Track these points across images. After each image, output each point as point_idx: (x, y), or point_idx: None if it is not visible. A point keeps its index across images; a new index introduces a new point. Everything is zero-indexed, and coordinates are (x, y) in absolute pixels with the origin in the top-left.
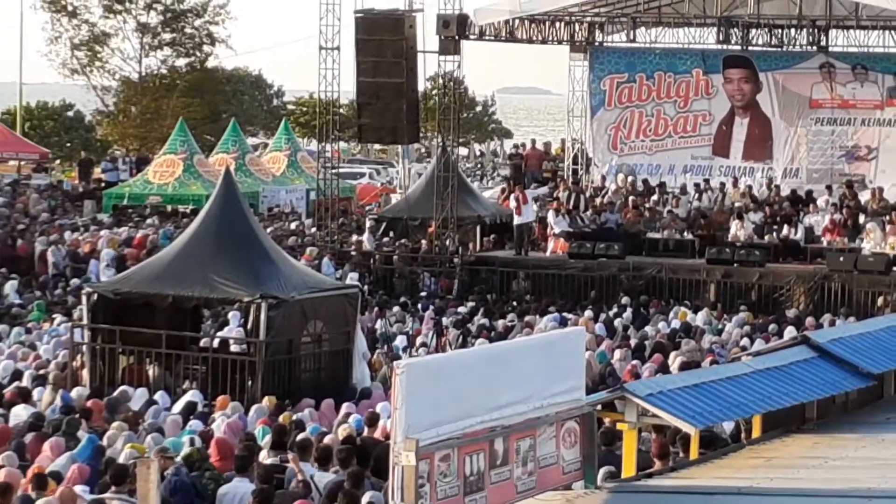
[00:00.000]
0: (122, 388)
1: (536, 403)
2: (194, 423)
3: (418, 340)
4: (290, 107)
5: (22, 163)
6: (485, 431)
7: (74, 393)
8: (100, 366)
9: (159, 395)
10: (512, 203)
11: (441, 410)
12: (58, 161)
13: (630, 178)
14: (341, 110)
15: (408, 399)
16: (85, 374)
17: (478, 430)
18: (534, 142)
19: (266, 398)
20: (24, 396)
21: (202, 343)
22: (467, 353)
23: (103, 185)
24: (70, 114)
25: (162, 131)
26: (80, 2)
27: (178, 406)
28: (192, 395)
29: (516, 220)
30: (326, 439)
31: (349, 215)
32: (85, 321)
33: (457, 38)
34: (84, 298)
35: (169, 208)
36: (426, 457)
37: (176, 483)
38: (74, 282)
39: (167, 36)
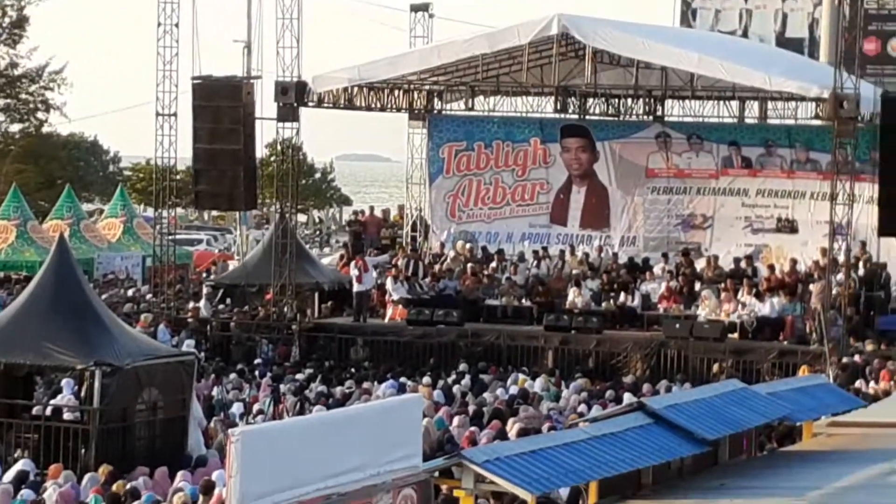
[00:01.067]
0: None
1: (373, 471)
2: (26, 493)
3: (255, 407)
4: (126, 173)
5: None
6: (320, 499)
7: None
8: None
9: None
10: (353, 271)
11: (276, 478)
12: None
13: (469, 246)
14: (178, 176)
15: (243, 467)
16: None
17: (313, 497)
18: (372, 209)
19: (101, 467)
20: None
21: (34, 411)
22: (303, 420)
23: None
24: None
25: None
26: None
27: (10, 475)
28: (24, 464)
29: (356, 288)
30: None
31: (186, 282)
32: None
33: (295, 104)
34: None
35: (2, 274)
36: None
37: None
38: None
39: (1, 101)
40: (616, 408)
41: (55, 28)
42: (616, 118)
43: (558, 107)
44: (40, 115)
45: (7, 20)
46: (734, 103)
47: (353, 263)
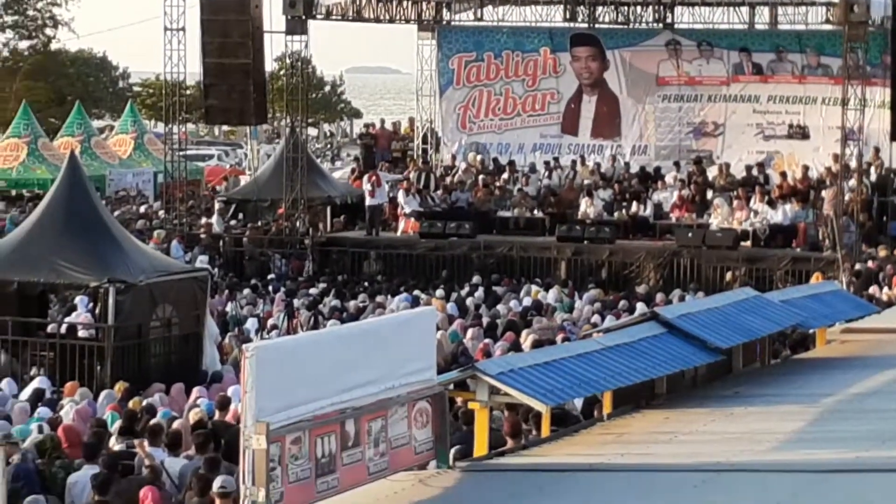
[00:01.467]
0: None
1: (388, 384)
2: (42, 411)
3: (269, 323)
4: (136, 89)
5: None
6: (335, 413)
7: None
8: None
9: (6, 383)
10: (366, 185)
11: (291, 393)
12: None
13: (480, 157)
14: (188, 92)
15: (258, 382)
16: None
17: (329, 412)
18: (382, 122)
19: (116, 384)
20: None
21: (49, 329)
22: (317, 334)
23: None
24: None
25: (5, 115)
26: None
27: (26, 393)
28: (40, 382)
29: (369, 202)
30: (177, 424)
31: (198, 198)
32: None
33: (303, 17)
34: None
35: (13, 193)
36: (277, 440)
37: (19, 470)
38: None
39: (9, 18)
40: (629, 318)
41: None
42: (626, 26)
43: (567, 16)
44: (48, 31)
45: None
46: (744, 9)
47: (365, 178)
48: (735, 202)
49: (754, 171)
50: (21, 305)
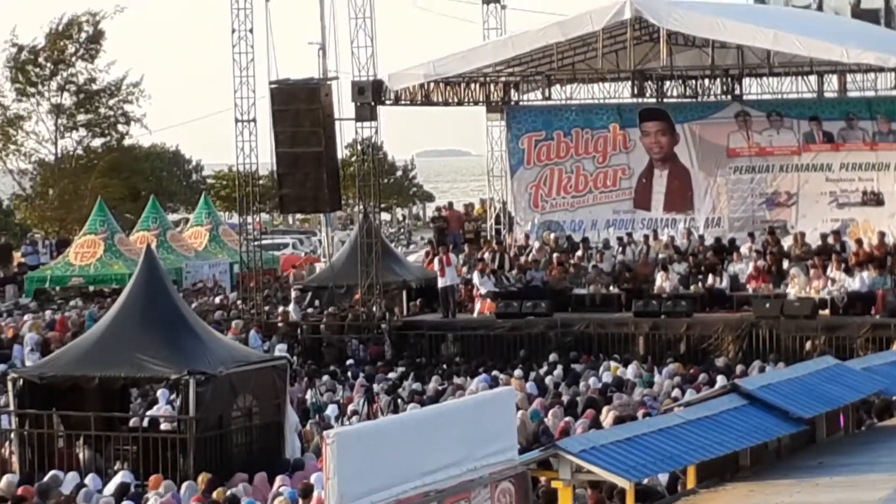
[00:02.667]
0: (52, 472)
1: (469, 465)
2: None
3: (349, 408)
4: (209, 181)
5: None
6: (419, 497)
7: (4, 481)
8: (28, 451)
9: (90, 478)
10: (436, 265)
11: (373, 478)
12: None
13: (553, 235)
14: (261, 182)
15: (339, 469)
16: (14, 460)
17: (411, 495)
18: (450, 204)
19: (199, 475)
20: None
21: (132, 423)
22: (397, 419)
23: (24, 269)
24: None
25: (81, 212)
26: None
27: (111, 488)
28: (124, 476)
29: (440, 283)
30: None
31: (274, 287)
32: (11, 407)
33: (372, 103)
34: (9, 384)
35: (92, 289)
36: None
37: None
38: None
39: (82, 117)
40: (710, 391)
41: (131, 41)
42: (694, 99)
43: (635, 91)
44: (121, 128)
45: (83, 35)
46: (812, 78)
47: (435, 258)
48: (812, 271)
49: (830, 240)
50: (103, 400)
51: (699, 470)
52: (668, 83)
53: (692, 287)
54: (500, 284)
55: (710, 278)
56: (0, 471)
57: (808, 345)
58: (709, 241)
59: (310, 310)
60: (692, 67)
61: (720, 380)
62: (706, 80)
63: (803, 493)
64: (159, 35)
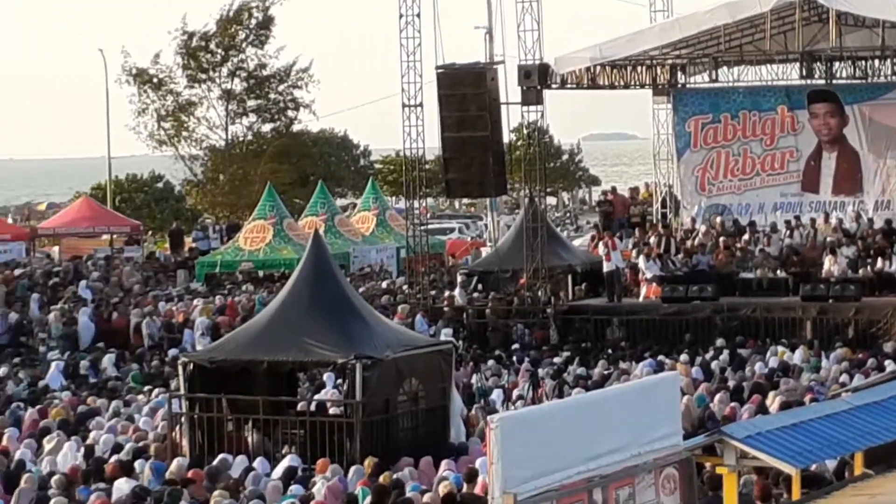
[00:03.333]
0: (221, 456)
1: (634, 451)
2: (295, 488)
3: (514, 393)
4: (376, 166)
5: (114, 236)
6: (583, 482)
7: (175, 464)
8: (199, 435)
9: (259, 462)
10: (601, 250)
11: (537, 463)
12: (149, 233)
13: (720, 219)
14: (428, 166)
15: (504, 453)
16: (184, 443)
17: (576, 480)
18: (614, 189)
19: (366, 459)
20: (125, 470)
21: (299, 407)
22: (562, 403)
23: (195, 254)
24: (159, 185)
25: (251, 197)
26: (165, 73)
27: (278, 471)
28: (292, 460)
29: (605, 267)
30: (426, 497)
31: (440, 271)
32: (182, 391)
33: (539, 87)
34: (180, 368)
35: (261, 274)
36: None
37: None
38: (171, 352)
39: (252, 102)
40: (878, 376)
41: (300, 27)
42: (864, 80)
43: (804, 73)
44: (290, 113)
45: (253, 21)
46: None
47: (601, 243)
48: None
49: None
50: (271, 384)
51: (867, 456)
52: (837, 64)
53: (861, 271)
54: (665, 268)
55: (880, 262)
56: (171, 454)
57: None
58: (878, 223)
59: (475, 294)
60: (862, 48)
61: (889, 365)
62: (876, 61)
63: None
64: (327, 21)
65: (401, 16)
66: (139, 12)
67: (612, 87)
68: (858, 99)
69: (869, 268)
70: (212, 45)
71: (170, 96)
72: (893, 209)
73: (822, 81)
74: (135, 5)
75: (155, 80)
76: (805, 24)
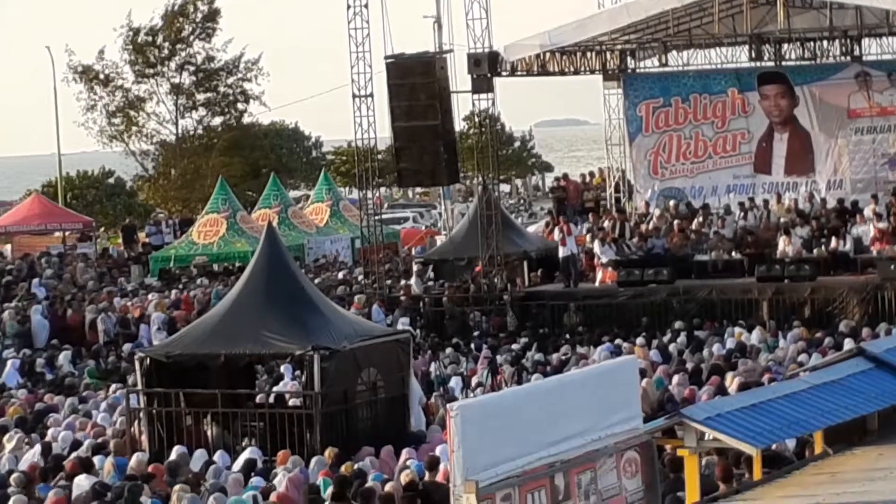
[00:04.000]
0: (181, 450)
1: (594, 435)
2: (256, 480)
3: (473, 380)
4: (329, 157)
5: (67, 233)
6: (544, 468)
7: (134, 459)
8: (158, 429)
9: (219, 455)
10: (556, 235)
11: (498, 450)
12: (102, 229)
13: (673, 202)
14: (380, 157)
15: (464, 441)
16: (143, 438)
17: (537, 466)
18: (566, 175)
19: (326, 450)
20: (85, 466)
21: (258, 399)
22: (521, 390)
23: (149, 249)
24: (111, 181)
25: (203, 191)
26: (112, 69)
27: (239, 464)
28: (251, 452)
29: (561, 253)
30: (388, 486)
31: (395, 261)
32: (139, 386)
33: (489, 75)
34: (137, 364)
35: (216, 267)
36: (487, 497)
37: None
38: (126, 347)
39: (201, 96)
40: (836, 355)
41: (247, 19)
42: (813, 61)
43: (753, 55)
44: (240, 106)
45: (199, 14)
46: None
47: (556, 229)
48: None
49: None
50: (229, 378)
51: (826, 435)
52: (786, 46)
53: (815, 251)
54: (621, 253)
55: (834, 241)
56: (130, 449)
57: None
58: (831, 203)
59: (431, 283)
60: (810, 29)
61: (846, 343)
62: (825, 42)
63: None
64: (276, 13)
65: (349, 6)
66: (85, 9)
67: (562, 73)
68: (808, 80)
69: (823, 247)
70: (158, 40)
71: (118, 92)
72: (846, 189)
73: (772, 63)
74: (80, 2)
75: (102, 76)
76: (753, 7)
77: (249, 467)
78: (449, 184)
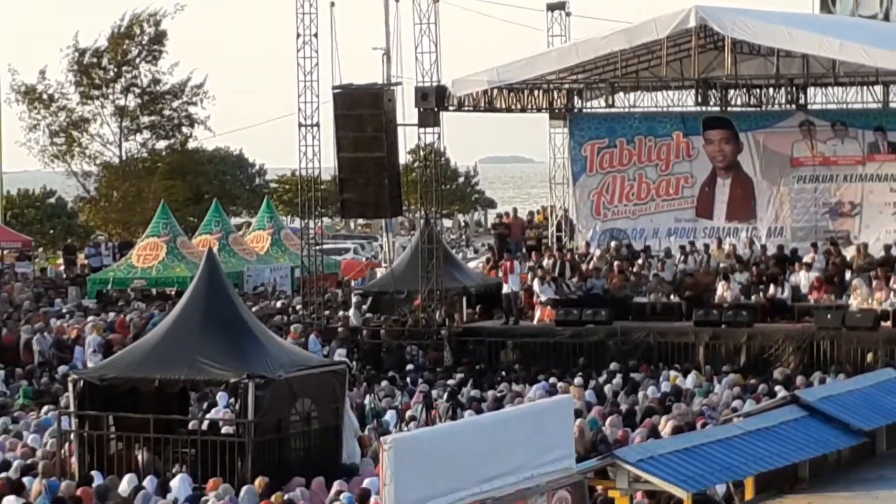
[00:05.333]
0: (110, 475)
1: (527, 474)
2: None
3: (408, 414)
4: (272, 185)
5: (5, 251)
6: None
7: (63, 483)
8: (88, 453)
9: (148, 481)
10: (500, 272)
11: (430, 485)
12: (41, 249)
13: (615, 243)
14: (323, 186)
15: (397, 474)
16: (74, 461)
17: (469, 502)
18: (515, 210)
19: (257, 479)
20: (13, 487)
21: (191, 426)
22: (455, 425)
23: (87, 270)
24: (52, 201)
25: (144, 214)
26: (55, 89)
27: (172, 495)
28: (182, 479)
29: (504, 289)
30: None
31: (335, 292)
32: (72, 408)
33: (436, 109)
34: (70, 385)
35: (154, 291)
36: None
37: None
38: (61, 369)
39: (146, 119)
40: (770, 402)
41: (194, 43)
42: (758, 108)
43: (699, 99)
44: (185, 130)
45: (146, 37)
46: (878, 88)
47: (499, 265)
48: (874, 282)
49: (893, 251)
50: (162, 403)
51: (757, 481)
52: (732, 92)
53: (753, 297)
54: (560, 292)
55: (772, 288)
56: (60, 472)
57: (869, 357)
58: (771, 250)
59: (370, 315)
60: (757, 76)
61: (780, 391)
62: (770, 89)
63: None
64: (223, 38)
65: (298, 35)
66: (30, 31)
67: (509, 110)
68: (753, 126)
69: (761, 294)
70: (104, 62)
71: (62, 113)
72: (786, 236)
73: (718, 108)
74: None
75: (45, 96)
76: (701, 52)
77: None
78: (392, 216)
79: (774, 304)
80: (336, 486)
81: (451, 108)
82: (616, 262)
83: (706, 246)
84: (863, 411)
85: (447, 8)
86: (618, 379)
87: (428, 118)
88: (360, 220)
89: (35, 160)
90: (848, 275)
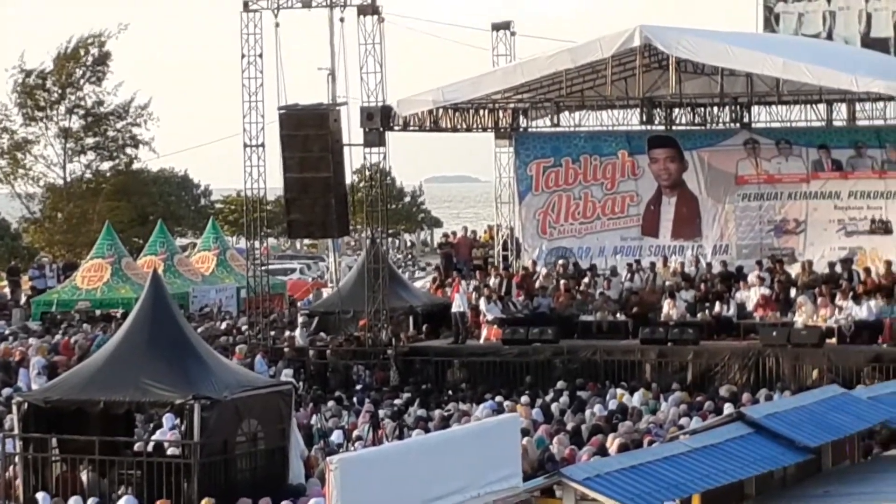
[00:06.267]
0: (55, 498)
1: (473, 493)
2: None
3: (354, 434)
4: (217, 205)
5: None
6: None
7: None
8: (33, 475)
9: (93, 502)
10: (449, 291)
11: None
12: None
13: (561, 262)
14: (269, 207)
15: (342, 494)
16: (19, 484)
17: None
18: (465, 229)
19: (203, 500)
20: None
21: (136, 447)
22: (401, 445)
23: (31, 292)
24: None
25: (89, 236)
26: (0, 111)
27: None
28: (127, 501)
29: (453, 308)
30: None
31: (280, 312)
32: (16, 431)
33: (381, 129)
34: (14, 408)
35: (98, 313)
36: None
37: None
38: (5, 391)
39: (90, 140)
40: (716, 419)
41: (138, 64)
42: (703, 127)
43: (644, 118)
44: (129, 151)
45: (90, 58)
46: (822, 106)
47: (447, 284)
48: (819, 299)
49: (837, 268)
50: (107, 425)
51: (704, 498)
52: (676, 110)
53: (699, 315)
54: (506, 311)
55: (718, 306)
56: (4, 494)
57: (814, 373)
58: (716, 268)
59: (316, 335)
60: (701, 95)
61: (726, 408)
62: (715, 108)
63: None
64: (167, 59)
65: (243, 55)
66: None
67: (454, 129)
68: (697, 145)
69: (707, 312)
70: (48, 83)
71: (5, 134)
72: (731, 254)
73: (662, 127)
74: None
75: None
76: (646, 71)
77: None
78: (339, 236)
79: (720, 322)
80: None
81: (396, 127)
82: (562, 281)
83: (652, 264)
84: (808, 428)
85: (392, 28)
86: (565, 397)
87: (373, 138)
88: (306, 241)
89: None
90: (793, 292)
